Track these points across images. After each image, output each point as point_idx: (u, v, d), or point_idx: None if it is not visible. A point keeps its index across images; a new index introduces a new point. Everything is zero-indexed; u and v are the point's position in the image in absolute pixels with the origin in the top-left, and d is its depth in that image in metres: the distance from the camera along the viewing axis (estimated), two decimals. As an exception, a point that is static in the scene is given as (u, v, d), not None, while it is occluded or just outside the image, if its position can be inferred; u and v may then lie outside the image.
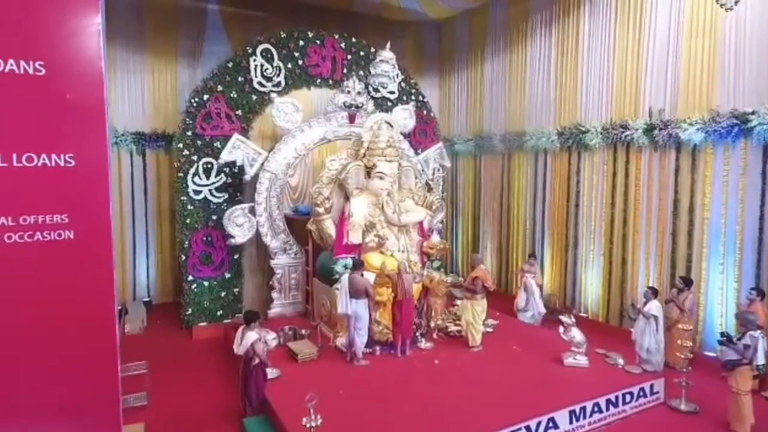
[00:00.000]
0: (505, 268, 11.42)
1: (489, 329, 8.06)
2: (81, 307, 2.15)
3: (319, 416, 3.87)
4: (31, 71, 1.97)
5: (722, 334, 5.82)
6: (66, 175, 2.09)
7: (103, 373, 2.31)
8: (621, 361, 6.55)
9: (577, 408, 5.54)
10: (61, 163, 2.09)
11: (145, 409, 6.05)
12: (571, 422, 5.50)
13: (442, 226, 10.82)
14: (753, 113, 6.78)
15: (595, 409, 5.68)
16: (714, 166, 7.40)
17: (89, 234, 2.08)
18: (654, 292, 6.93)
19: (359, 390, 5.93)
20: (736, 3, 5.03)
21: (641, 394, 6.06)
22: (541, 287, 9.24)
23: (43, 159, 2.05)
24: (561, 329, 6.70)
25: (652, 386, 6.15)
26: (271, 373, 6.24)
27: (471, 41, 12.11)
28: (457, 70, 12.65)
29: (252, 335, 5.52)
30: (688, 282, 7.17)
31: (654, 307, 6.78)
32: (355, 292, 6.53)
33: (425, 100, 11.09)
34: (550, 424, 5.35)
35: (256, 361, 5.57)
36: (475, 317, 7.26)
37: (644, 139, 8.14)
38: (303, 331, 7.50)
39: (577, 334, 6.54)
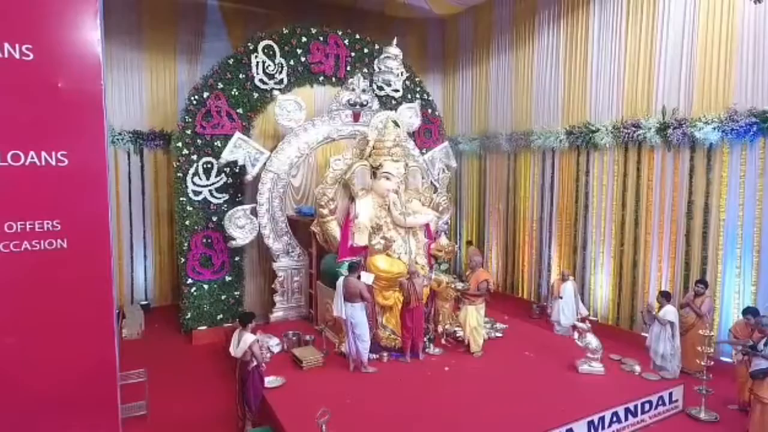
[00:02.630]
0: (511, 270, 11.20)
1: (498, 333, 7.85)
2: (75, 326, 1.89)
3: (331, 433, 3.63)
4: (17, 55, 1.69)
5: (745, 345, 5.60)
6: (58, 176, 1.81)
7: (102, 398, 2.06)
8: (638, 368, 6.34)
9: (595, 418, 5.32)
10: (53, 162, 1.81)
11: (145, 419, 5.82)
12: (589, 433, 5.28)
13: (447, 227, 10.58)
14: (773, 111, 6.57)
15: (614, 419, 5.47)
16: (731, 166, 7.18)
17: (85, 243, 1.82)
18: (667, 297, 6.74)
19: (368, 399, 5.70)
20: (765, -5, 4.81)
21: (660, 402, 5.85)
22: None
23: (32, 157, 1.78)
24: (576, 335, 6.48)
25: (671, 394, 5.94)
26: (275, 381, 6.03)
27: (476, 38, 11.88)
28: (461, 68, 12.42)
29: (250, 336, 5.36)
30: (707, 285, 6.96)
31: (669, 312, 6.61)
32: (350, 296, 6.31)
33: (430, 98, 10.86)
34: (569, 436, 5.13)
35: (254, 363, 5.39)
36: (479, 322, 7.06)
37: (657, 139, 7.92)
38: (307, 337, 7.27)
39: (593, 340, 6.32)
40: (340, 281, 6.50)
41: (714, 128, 7.14)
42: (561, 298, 8.32)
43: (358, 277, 6.54)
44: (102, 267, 1.84)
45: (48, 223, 1.76)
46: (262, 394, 5.62)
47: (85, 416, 2.12)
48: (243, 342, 5.33)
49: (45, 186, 1.80)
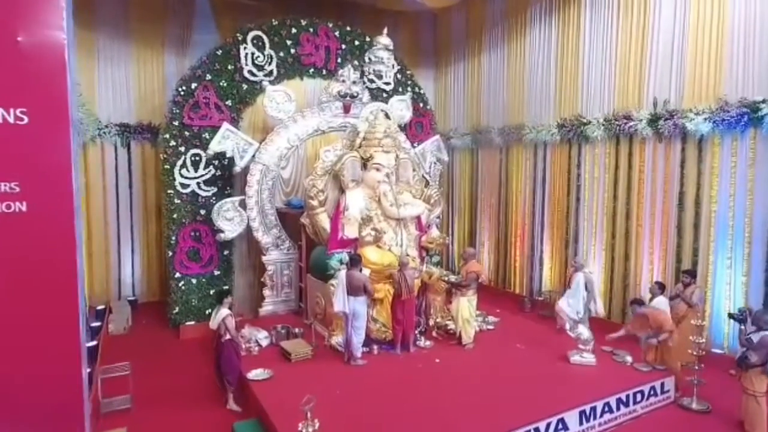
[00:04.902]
0: (503, 264, 11.14)
1: (490, 326, 7.80)
2: (35, 297, 1.78)
3: (316, 420, 3.53)
4: (-30, 6, 1.61)
5: (740, 311, 5.58)
6: (16, 134, 1.67)
7: (65, 385, 1.93)
8: (629, 359, 6.30)
9: (587, 408, 5.27)
10: (10, 119, 1.68)
11: (129, 412, 5.69)
12: (581, 423, 5.24)
13: (439, 221, 10.51)
14: (763, 102, 6.55)
15: (606, 408, 5.42)
16: (722, 157, 7.16)
17: (46, 206, 1.71)
18: (661, 288, 6.71)
19: (357, 391, 5.62)
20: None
21: (652, 392, 5.82)
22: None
23: (-12, 114, 1.68)
24: (567, 326, 6.44)
25: (662, 384, 5.91)
26: (263, 373, 5.94)
27: (468, 31, 11.82)
28: (453, 62, 12.35)
29: (224, 311, 5.60)
30: (692, 275, 6.94)
31: (661, 302, 6.57)
32: (354, 290, 6.21)
33: (421, 91, 10.78)
34: (560, 426, 5.08)
35: (227, 336, 5.59)
36: (471, 313, 7.00)
37: (648, 130, 7.89)
38: (296, 330, 7.17)
39: (584, 331, 6.29)
40: (341, 275, 6.39)
41: (705, 119, 7.12)
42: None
43: (360, 271, 6.44)
44: (66, 232, 1.73)
45: (5, 185, 1.63)
46: (239, 368, 5.73)
47: (44, 408, 1.95)
48: (219, 316, 5.56)
49: (2, 145, 1.69)
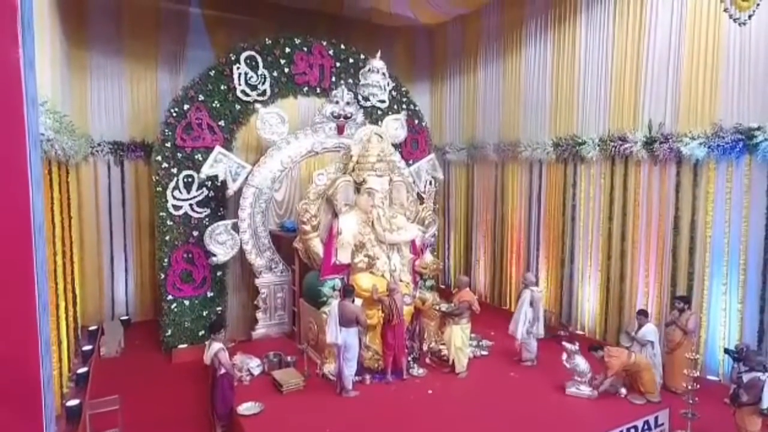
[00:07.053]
0: (498, 281, 11.10)
1: (484, 352, 7.74)
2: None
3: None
4: None
5: (737, 348, 5.55)
6: None
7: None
8: (623, 390, 6.24)
9: (579, 446, 5.22)
10: None
11: (118, 448, 5.62)
12: (573, 462, 5.18)
13: (435, 238, 10.46)
14: (758, 128, 6.50)
15: (599, 446, 5.37)
16: (717, 183, 7.12)
17: (2, 243, 1.61)
18: (645, 315, 6.65)
19: (348, 426, 5.55)
20: (749, 17, 4.75)
21: (645, 427, 5.76)
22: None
23: None
24: (564, 356, 6.38)
25: (656, 418, 5.85)
26: (253, 407, 5.88)
27: (464, 47, 11.76)
28: (449, 77, 12.29)
29: (216, 345, 5.58)
30: (686, 301, 6.89)
31: (650, 332, 6.52)
32: (346, 321, 6.14)
33: (417, 108, 10.71)
34: (552, 465, 5.02)
35: (222, 371, 5.57)
36: (464, 341, 6.94)
37: (643, 153, 7.85)
38: (289, 358, 7.10)
39: (581, 363, 6.23)
40: (334, 306, 6.33)
41: (700, 144, 7.07)
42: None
43: (352, 301, 6.38)
44: (23, 273, 1.61)
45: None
46: (231, 403, 5.70)
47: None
48: (211, 350, 5.54)
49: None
